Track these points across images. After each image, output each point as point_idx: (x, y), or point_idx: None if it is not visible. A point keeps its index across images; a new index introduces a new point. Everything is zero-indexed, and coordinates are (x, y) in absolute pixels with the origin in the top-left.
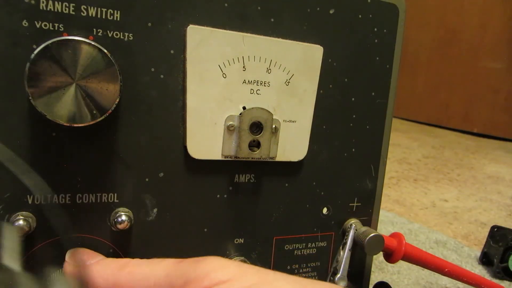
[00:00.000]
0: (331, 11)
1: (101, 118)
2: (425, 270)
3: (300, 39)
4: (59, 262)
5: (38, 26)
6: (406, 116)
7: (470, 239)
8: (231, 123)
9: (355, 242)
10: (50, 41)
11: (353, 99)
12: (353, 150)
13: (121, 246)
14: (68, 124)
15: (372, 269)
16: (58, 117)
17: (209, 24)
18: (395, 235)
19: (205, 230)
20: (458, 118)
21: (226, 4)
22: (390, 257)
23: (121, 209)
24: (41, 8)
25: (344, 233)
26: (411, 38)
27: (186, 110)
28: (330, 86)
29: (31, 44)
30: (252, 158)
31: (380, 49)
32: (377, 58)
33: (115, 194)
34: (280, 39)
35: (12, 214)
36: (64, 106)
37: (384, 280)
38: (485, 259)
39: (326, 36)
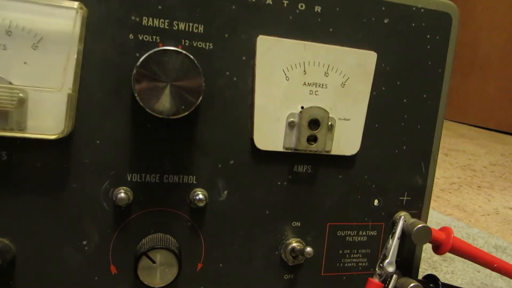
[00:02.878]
0: (386, 21)
1: (188, 112)
2: (481, 271)
3: (356, 46)
4: (150, 230)
5: (140, 38)
6: (475, 122)
7: None
8: (292, 119)
9: (404, 232)
10: (152, 51)
11: (405, 100)
12: (404, 147)
13: (197, 220)
14: (162, 117)
15: (426, 267)
16: (157, 112)
17: (276, 34)
18: (444, 229)
19: (267, 212)
20: None
21: (290, 17)
22: (438, 249)
23: (198, 189)
24: (143, 24)
25: (394, 224)
26: (482, 40)
27: (253, 108)
28: (383, 88)
29: (135, 53)
30: (310, 150)
31: (432, 55)
32: (429, 63)
33: (194, 177)
34: (337, 46)
35: (115, 188)
36: (161, 102)
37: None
38: None
39: (380, 43)
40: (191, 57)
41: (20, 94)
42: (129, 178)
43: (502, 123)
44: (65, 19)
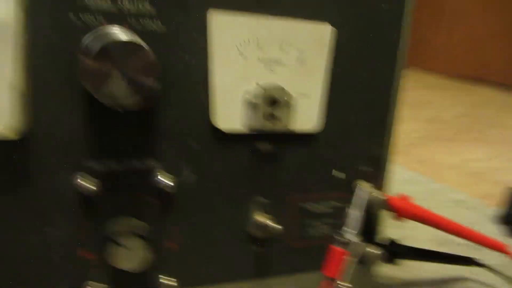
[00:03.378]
0: None
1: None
2: None
3: (310, 19)
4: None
5: (84, 19)
6: (444, 70)
7: (494, 200)
8: (249, 97)
9: (362, 202)
10: (94, 34)
11: (362, 73)
12: (362, 120)
13: (164, 203)
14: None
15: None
16: (117, 106)
17: (228, 8)
18: (401, 196)
19: (232, 190)
20: (499, 74)
21: None
22: (396, 215)
23: (163, 172)
24: (85, 3)
25: (352, 194)
26: None
27: (211, 87)
28: (340, 61)
29: (78, 35)
30: (269, 128)
31: (388, 19)
32: (386, 29)
33: (158, 160)
34: (291, 20)
35: (80, 177)
36: (113, 95)
37: (402, 235)
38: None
39: (335, 14)
40: (146, 47)
41: None
42: (91, 166)
43: (470, 72)
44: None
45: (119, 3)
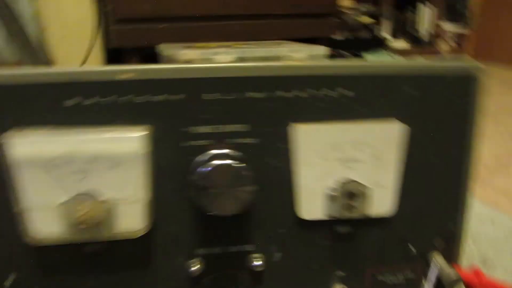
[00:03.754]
0: (413, 93)
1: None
2: None
3: (384, 120)
4: None
5: (195, 144)
6: None
7: None
8: (330, 193)
9: (438, 279)
10: (205, 169)
11: (433, 160)
12: (437, 200)
13: (256, 279)
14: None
15: None
16: (217, 214)
17: (311, 121)
18: (474, 271)
19: (313, 266)
20: None
21: (324, 105)
22: None
23: (255, 255)
24: (197, 132)
25: (429, 264)
26: None
27: (296, 185)
28: (412, 152)
29: (192, 157)
30: (348, 217)
31: (459, 115)
32: (456, 123)
33: (251, 245)
34: (368, 123)
35: (188, 262)
36: (219, 207)
37: None
38: None
39: (408, 114)
40: (240, 164)
41: (107, 206)
42: (198, 252)
43: None
44: (134, 144)
45: (221, 128)
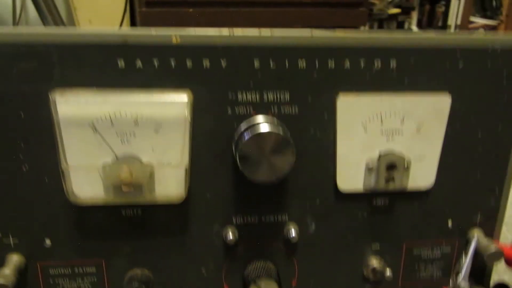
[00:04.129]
0: (460, 66)
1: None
2: None
3: (430, 92)
4: (253, 258)
5: (237, 111)
6: None
7: None
8: (370, 165)
9: (477, 252)
10: (252, 135)
11: (479, 135)
12: (478, 176)
13: (291, 249)
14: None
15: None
16: (258, 181)
17: (354, 92)
18: None
19: (349, 238)
20: None
21: (368, 76)
22: (510, 264)
23: (291, 224)
24: (238, 99)
25: (467, 241)
26: None
27: (336, 157)
28: (458, 126)
29: (233, 123)
30: (387, 190)
31: (508, 90)
32: (505, 97)
33: (287, 215)
34: (412, 95)
35: (224, 229)
36: (258, 174)
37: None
38: None
39: (455, 86)
40: (285, 135)
41: (149, 169)
42: (234, 221)
43: None
44: (178, 108)
45: (264, 96)
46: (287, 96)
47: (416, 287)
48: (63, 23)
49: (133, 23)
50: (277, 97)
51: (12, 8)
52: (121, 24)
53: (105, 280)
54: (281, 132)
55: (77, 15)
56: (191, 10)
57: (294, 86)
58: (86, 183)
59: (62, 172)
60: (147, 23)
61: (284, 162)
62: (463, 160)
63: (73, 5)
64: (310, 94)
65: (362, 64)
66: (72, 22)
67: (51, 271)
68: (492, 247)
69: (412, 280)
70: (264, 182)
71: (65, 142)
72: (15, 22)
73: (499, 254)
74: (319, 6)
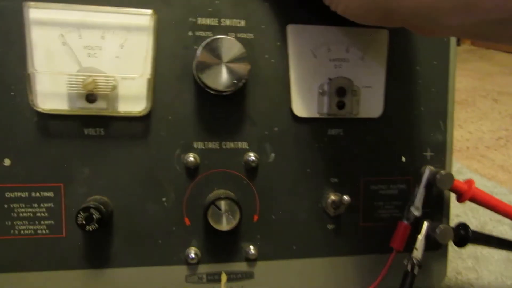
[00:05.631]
0: None
1: (239, 86)
2: None
3: (369, 27)
4: (214, 187)
5: (197, 34)
6: None
7: None
8: (321, 89)
9: (430, 182)
10: (208, 39)
11: (417, 67)
12: (422, 109)
13: (251, 178)
14: (220, 90)
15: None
16: (215, 88)
17: (303, 22)
18: (467, 181)
19: (308, 170)
20: None
21: (315, 7)
22: (459, 197)
23: (250, 152)
24: (198, 23)
25: (420, 176)
26: None
27: (290, 82)
28: (397, 59)
29: (193, 46)
30: (339, 115)
31: None
32: None
33: (246, 142)
34: (354, 28)
35: (185, 154)
36: (217, 79)
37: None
38: None
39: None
40: (237, 40)
41: (113, 82)
42: (195, 146)
43: None
44: (142, 23)
45: (222, 22)
46: (243, 23)
47: (376, 228)
48: None
49: None
50: (233, 23)
51: None
52: None
53: (62, 206)
54: (238, 43)
55: None
56: None
57: (249, 15)
58: (51, 92)
59: (28, 77)
60: None
61: (239, 72)
62: (407, 92)
63: None
64: (263, 22)
65: None
66: None
67: (7, 194)
68: (442, 171)
69: (372, 221)
70: (224, 88)
71: (33, 48)
72: None
73: (449, 177)
74: None
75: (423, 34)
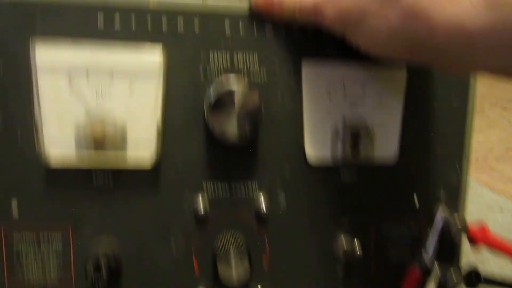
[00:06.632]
0: None
1: (253, 137)
2: None
3: (388, 66)
4: (223, 230)
5: (208, 76)
6: None
7: None
8: (335, 130)
9: (443, 230)
10: (220, 92)
11: (435, 108)
12: (438, 150)
13: (261, 224)
14: (233, 141)
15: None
16: (227, 138)
17: (318, 60)
18: (481, 227)
19: (319, 216)
20: None
21: (330, 43)
22: (472, 243)
23: (262, 199)
24: (210, 64)
25: (433, 218)
26: None
27: (304, 124)
28: (415, 100)
29: (204, 88)
30: (354, 158)
31: None
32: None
33: (257, 186)
34: (373, 66)
35: (194, 196)
36: (230, 131)
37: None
38: None
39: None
40: (253, 91)
41: (122, 127)
42: (204, 187)
43: None
44: (152, 60)
45: (235, 62)
46: (257, 64)
47: (387, 273)
48: None
49: None
50: (247, 65)
51: None
52: None
53: (71, 247)
54: (252, 91)
55: None
56: None
57: (261, 50)
58: (58, 139)
59: (35, 124)
60: None
61: (253, 121)
62: (423, 133)
63: None
64: (277, 60)
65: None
66: None
67: (15, 236)
68: (456, 218)
69: (383, 266)
70: (233, 140)
71: (40, 91)
72: None
73: (462, 228)
74: None
75: (449, 70)
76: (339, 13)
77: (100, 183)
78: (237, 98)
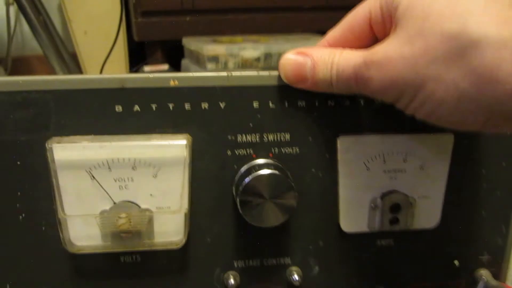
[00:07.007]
0: None
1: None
2: None
3: (433, 131)
4: None
5: (237, 153)
6: None
7: None
8: (374, 205)
9: None
10: (251, 177)
11: (483, 171)
12: (483, 213)
13: None
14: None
15: None
16: (261, 225)
17: (355, 132)
18: None
19: (354, 281)
20: None
21: (368, 114)
22: None
23: (293, 268)
24: (238, 141)
25: (474, 281)
26: None
27: (339, 198)
28: (461, 164)
29: (233, 165)
30: (392, 230)
31: None
32: (508, 133)
33: (289, 258)
34: (414, 134)
35: (225, 274)
36: (263, 219)
37: None
38: None
39: None
40: (284, 175)
41: (148, 215)
42: (235, 265)
43: None
44: (177, 152)
45: (265, 138)
46: (287, 137)
47: None
48: (58, 36)
49: (129, 34)
50: (277, 138)
51: (6, 21)
52: (117, 35)
53: None
54: (282, 176)
55: (72, 27)
56: (188, 18)
57: (294, 127)
58: (83, 232)
59: (59, 221)
60: (143, 33)
61: (286, 206)
62: (468, 198)
63: (68, 17)
64: (310, 134)
65: (362, 103)
66: (67, 34)
67: None
68: (496, 284)
69: None
70: (266, 227)
71: (62, 190)
72: (10, 35)
73: None
74: (318, 11)
75: None
76: (390, 81)
77: (128, 260)
78: (267, 186)
